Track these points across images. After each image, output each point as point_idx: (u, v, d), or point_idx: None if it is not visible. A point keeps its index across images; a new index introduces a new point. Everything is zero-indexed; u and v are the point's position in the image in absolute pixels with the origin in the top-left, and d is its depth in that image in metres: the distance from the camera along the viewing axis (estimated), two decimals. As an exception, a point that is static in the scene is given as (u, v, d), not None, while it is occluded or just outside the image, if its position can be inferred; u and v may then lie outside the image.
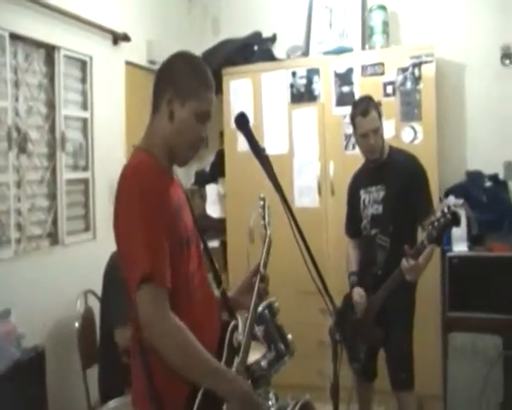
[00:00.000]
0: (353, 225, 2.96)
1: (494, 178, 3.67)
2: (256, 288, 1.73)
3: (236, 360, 1.55)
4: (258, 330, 2.11)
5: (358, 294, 2.76)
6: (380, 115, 2.77)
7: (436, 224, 2.34)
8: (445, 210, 2.31)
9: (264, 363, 2.04)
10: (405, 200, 2.70)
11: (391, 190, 2.75)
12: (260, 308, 2.08)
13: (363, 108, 2.74)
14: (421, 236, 2.52)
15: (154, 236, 1.39)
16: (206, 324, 1.55)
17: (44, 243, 3.02)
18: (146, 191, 1.41)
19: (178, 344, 1.38)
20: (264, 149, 1.56)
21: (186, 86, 1.52)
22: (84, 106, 3.33)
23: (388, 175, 2.77)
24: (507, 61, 3.71)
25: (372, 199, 2.81)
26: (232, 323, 1.62)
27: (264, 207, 2.08)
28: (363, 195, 2.86)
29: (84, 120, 3.33)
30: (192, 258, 1.55)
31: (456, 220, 2.32)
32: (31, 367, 2.39)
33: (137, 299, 1.37)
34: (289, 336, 2.17)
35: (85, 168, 3.34)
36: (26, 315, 2.56)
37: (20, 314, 2.49)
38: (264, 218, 2.05)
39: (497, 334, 3.15)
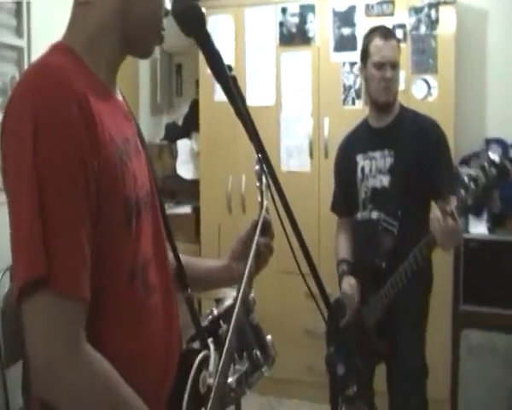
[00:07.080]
0: (346, 200, 2.33)
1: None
2: (254, 245, 1.14)
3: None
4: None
5: (348, 283, 2.14)
6: (399, 53, 2.20)
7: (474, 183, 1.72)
8: (485, 164, 1.71)
9: (232, 380, 1.44)
10: (421, 172, 2.09)
11: (402, 157, 2.13)
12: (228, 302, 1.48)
13: (385, 30, 2.18)
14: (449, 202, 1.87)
15: (57, 207, 0.79)
16: (160, 347, 0.98)
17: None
18: (49, 120, 0.79)
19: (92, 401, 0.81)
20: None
21: None
22: None
23: (399, 138, 2.15)
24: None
25: (375, 168, 2.18)
26: (200, 355, 1.03)
27: (261, 171, 1.46)
28: (362, 161, 2.22)
29: None
30: (144, 236, 0.95)
31: (506, 173, 1.71)
32: None
33: (24, 317, 0.78)
34: (268, 338, 1.56)
35: None
36: None
37: None
38: (260, 188, 1.43)
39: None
